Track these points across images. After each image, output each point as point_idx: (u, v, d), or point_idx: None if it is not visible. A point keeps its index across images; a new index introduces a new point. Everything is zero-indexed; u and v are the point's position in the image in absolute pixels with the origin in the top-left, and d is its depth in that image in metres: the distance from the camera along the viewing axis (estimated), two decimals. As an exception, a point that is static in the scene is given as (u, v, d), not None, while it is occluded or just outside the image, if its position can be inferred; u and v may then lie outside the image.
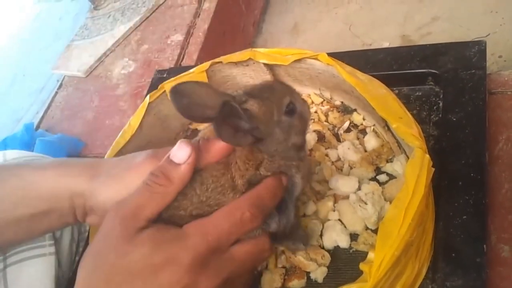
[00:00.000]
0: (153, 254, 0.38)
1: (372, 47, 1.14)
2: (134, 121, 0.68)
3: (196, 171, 0.44)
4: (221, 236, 0.40)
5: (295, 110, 0.47)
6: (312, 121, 0.69)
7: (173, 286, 0.38)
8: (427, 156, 0.46)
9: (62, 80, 1.26)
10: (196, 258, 0.38)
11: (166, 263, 0.38)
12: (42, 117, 1.19)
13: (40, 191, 0.50)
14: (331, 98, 0.69)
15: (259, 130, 0.44)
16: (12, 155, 0.68)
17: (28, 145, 0.99)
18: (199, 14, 1.16)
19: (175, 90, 0.41)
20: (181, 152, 0.42)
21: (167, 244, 0.39)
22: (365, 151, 0.62)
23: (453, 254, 0.50)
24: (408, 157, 0.56)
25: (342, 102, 0.68)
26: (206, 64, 0.69)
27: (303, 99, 0.50)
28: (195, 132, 0.77)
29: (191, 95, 0.42)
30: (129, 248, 0.39)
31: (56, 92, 1.23)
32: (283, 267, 0.56)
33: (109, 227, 0.41)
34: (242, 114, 0.41)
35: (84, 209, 0.50)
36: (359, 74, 0.56)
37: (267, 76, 0.70)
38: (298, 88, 0.72)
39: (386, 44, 1.13)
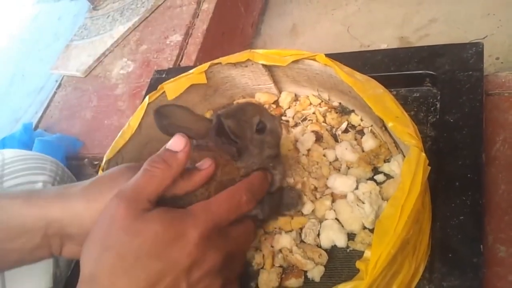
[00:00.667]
0: (164, 231, 0.41)
1: (370, 48, 1.15)
2: (133, 122, 0.69)
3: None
4: (223, 215, 0.45)
5: (265, 128, 0.53)
6: (310, 122, 0.69)
7: (184, 260, 0.40)
8: (423, 154, 0.46)
9: (61, 80, 1.26)
10: (203, 233, 0.42)
11: (176, 239, 0.41)
12: (41, 117, 1.19)
13: (9, 221, 0.47)
14: (329, 99, 0.69)
15: (237, 145, 0.50)
16: (10, 154, 0.68)
17: (26, 145, 0.99)
18: (198, 15, 1.16)
19: (157, 112, 0.48)
20: (177, 142, 0.46)
21: (177, 221, 0.42)
22: (363, 151, 0.62)
23: (450, 255, 0.50)
24: (405, 157, 0.56)
25: (340, 103, 0.69)
26: (205, 65, 0.69)
27: (272, 115, 0.56)
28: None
29: (170, 117, 0.49)
30: (140, 227, 0.41)
31: (55, 92, 1.24)
32: (280, 266, 0.56)
33: (113, 210, 0.42)
34: (227, 127, 0.49)
35: (61, 239, 0.48)
36: (357, 74, 0.57)
37: (265, 77, 0.70)
38: (296, 89, 0.72)
39: (384, 46, 1.14)
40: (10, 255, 0.48)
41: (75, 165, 0.98)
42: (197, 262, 0.41)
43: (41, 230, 0.47)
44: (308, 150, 0.64)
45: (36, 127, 1.16)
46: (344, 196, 0.57)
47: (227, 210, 0.45)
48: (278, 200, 0.57)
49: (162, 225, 0.41)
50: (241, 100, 0.77)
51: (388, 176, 0.59)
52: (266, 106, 0.74)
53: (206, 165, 0.48)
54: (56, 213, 0.47)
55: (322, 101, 0.70)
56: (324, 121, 0.68)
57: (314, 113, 0.69)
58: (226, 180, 0.50)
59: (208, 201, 0.45)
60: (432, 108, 0.65)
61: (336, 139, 0.66)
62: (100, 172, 0.64)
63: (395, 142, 0.59)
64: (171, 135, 0.50)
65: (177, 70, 0.98)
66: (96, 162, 0.96)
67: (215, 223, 0.44)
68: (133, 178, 0.44)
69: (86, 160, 0.97)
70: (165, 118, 0.49)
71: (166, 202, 0.45)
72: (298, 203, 0.58)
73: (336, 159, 0.63)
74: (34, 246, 0.48)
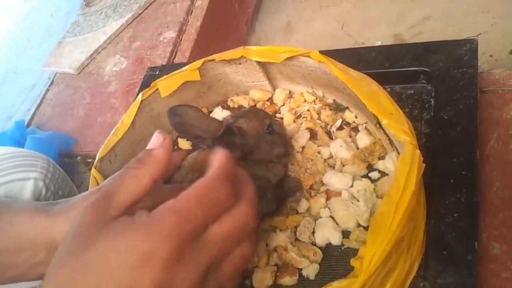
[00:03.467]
0: (122, 248, 0.33)
1: (365, 46, 1.15)
2: (126, 119, 0.68)
3: None
4: (197, 224, 0.35)
5: (274, 130, 0.57)
6: (305, 119, 0.69)
7: (145, 286, 0.32)
8: (418, 151, 0.46)
9: (54, 77, 1.25)
10: (172, 251, 0.33)
11: (138, 259, 0.32)
12: (33, 114, 1.18)
13: (15, 234, 0.45)
14: (323, 96, 0.69)
15: (248, 145, 0.53)
16: (1, 151, 0.68)
17: (18, 143, 0.98)
18: (192, 11, 1.15)
19: (171, 111, 0.52)
20: (155, 140, 0.40)
21: (139, 236, 0.33)
22: (357, 148, 0.62)
23: (445, 252, 0.50)
24: (400, 155, 0.56)
25: (334, 100, 0.68)
26: (198, 62, 0.69)
27: (279, 122, 0.62)
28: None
29: (183, 116, 0.52)
30: (97, 240, 0.33)
31: (48, 89, 1.23)
32: (275, 264, 0.56)
33: (81, 216, 0.35)
34: (236, 132, 0.51)
35: None
36: (351, 71, 0.56)
37: (259, 74, 0.70)
38: (290, 86, 0.72)
39: (378, 43, 1.14)
40: (10, 270, 0.46)
41: (68, 162, 0.98)
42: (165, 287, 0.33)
43: (45, 244, 0.45)
44: (303, 147, 0.64)
45: (29, 124, 1.15)
46: (338, 194, 0.57)
47: (203, 216, 0.35)
48: (281, 189, 0.58)
49: (120, 241, 0.33)
50: (236, 97, 0.76)
51: (382, 174, 0.58)
52: (260, 103, 0.74)
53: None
54: (60, 226, 0.44)
55: (316, 98, 0.70)
56: (319, 118, 0.68)
57: (308, 110, 0.69)
58: None
59: (178, 205, 0.35)
60: (426, 105, 0.65)
61: (330, 136, 0.65)
62: (93, 170, 0.63)
63: (389, 139, 0.59)
64: (182, 132, 0.55)
65: (170, 67, 0.97)
66: (89, 160, 0.96)
67: (188, 236, 0.34)
68: (105, 181, 0.39)
69: (79, 157, 0.96)
70: (177, 117, 0.52)
71: None
72: (300, 187, 0.59)
73: (331, 156, 0.62)
74: (37, 261, 0.45)
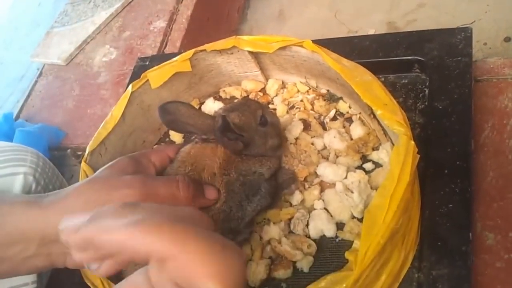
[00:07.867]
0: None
1: (358, 34, 1.14)
2: (116, 111, 0.67)
3: None
4: None
5: (267, 121, 0.56)
6: (298, 110, 0.68)
7: None
8: (412, 142, 0.45)
9: (42, 69, 1.23)
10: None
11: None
12: (22, 106, 1.16)
13: (6, 226, 0.45)
14: (316, 87, 0.68)
15: (243, 138, 0.53)
16: (-10, 145, 0.66)
17: (7, 136, 0.96)
18: (182, 0, 1.13)
19: (162, 108, 0.52)
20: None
21: None
22: (351, 139, 0.61)
23: (439, 243, 0.50)
24: (394, 145, 0.55)
25: (328, 91, 0.67)
26: (189, 53, 0.67)
27: (272, 112, 0.61)
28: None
29: (175, 113, 0.52)
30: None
31: (36, 81, 1.20)
32: (269, 257, 0.56)
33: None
34: (231, 126, 0.51)
35: (64, 247, 0.44)
36: (345, 61, 0.56)
37: (251, 64, 0.69)
38: (283, 76, 0.71)
39: (372, 31, 1.13)
40: (2, 264, 0.46)
41: (58, 155, 0.96)
42: None
43: (38, 236, 0.45)
44: (296, 139, 0.63)
45: (17, 117, 1.13)
46: (332, 185, 0.56)
47: None
48: (275, 183, 0.57)
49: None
50: (228, 88, 0.75)
51: (377, 165, 0.58)
52: (253, 94, 0.73)
53: (212, 196, 0.49)
54: (52, 217, 0.44)
55: (309, 89, 0.69)
56: (312, 109, 0.67)
57: (301, 100, 0.68)
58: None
59: None
60: (420, 95, 0.64)
61: (324, 127, 0.65)
62: (83, 163, 0.62)
63: (383, 129, 0.58)
64: (174, 129, 0.58)
65: (161, 57, 0.96)
66: (79, 153, 0.94)
67: None
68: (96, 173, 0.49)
69: (69, 150, 0.95)
70: (169, 114, 0.52)
71: None
72: (295, 178, 0.59)
73: (325, 147, 0.62)
74: (29, 254, 0.45)
